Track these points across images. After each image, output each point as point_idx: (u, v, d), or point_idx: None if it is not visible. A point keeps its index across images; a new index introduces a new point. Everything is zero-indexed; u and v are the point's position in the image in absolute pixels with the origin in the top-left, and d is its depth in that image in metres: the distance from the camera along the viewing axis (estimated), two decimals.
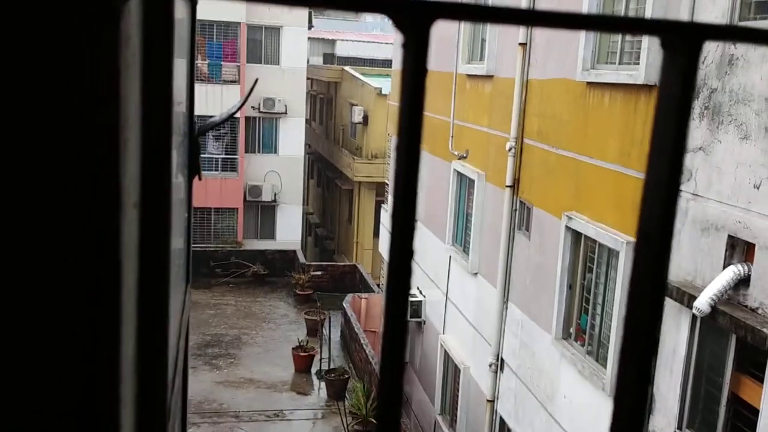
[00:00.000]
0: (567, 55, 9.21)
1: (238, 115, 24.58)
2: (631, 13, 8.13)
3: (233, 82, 25.29)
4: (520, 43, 10.50)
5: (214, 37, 25.64)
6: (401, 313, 0.42)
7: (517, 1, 10.66)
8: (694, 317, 6.58)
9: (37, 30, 0.47)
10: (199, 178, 1.55)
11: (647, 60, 7.48)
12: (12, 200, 0.49)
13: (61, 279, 0.50)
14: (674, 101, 0.41)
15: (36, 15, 0.47)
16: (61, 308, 0.51)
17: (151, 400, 0.81)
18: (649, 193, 0.44)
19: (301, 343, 17.82)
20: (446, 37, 13.59)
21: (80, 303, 0.50)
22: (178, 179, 1.22)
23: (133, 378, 0.71)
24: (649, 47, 7.44)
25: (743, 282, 6.10)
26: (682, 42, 0.41)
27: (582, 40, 8.78)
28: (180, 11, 1.21)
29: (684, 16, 6.93)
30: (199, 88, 24.26)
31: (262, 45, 26.51)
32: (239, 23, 25.52)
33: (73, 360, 0.51)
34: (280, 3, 0.41)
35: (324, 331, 18.27)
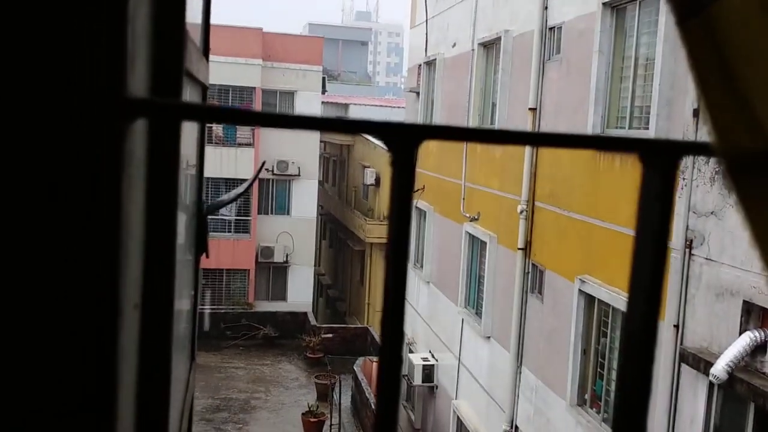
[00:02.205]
0: (577, 119, 9.31)
1: (251, 177, 24.85)
2: (639, 84, 8.23)
3: (247, 145, 25.67)
4: (530, 108, 10.64)
5: (229, 101, 26.16)
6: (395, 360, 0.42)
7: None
8: (711, 384, 6.44)
9: (43, 150, 0.48)
10: (206, 257, 1.56)
11: (657, 124, 7.54)
12: (16, 306, 0.50)
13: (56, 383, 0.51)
14: (654, 217, 0.41)
15: (42, 137, 0.48)
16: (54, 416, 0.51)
17: None
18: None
19: (311, 408, 17.50)
20: (458, 101, 13.81)
21: (75, 401, 0.51)
22: (185, 258, 1.24)
23: None
24: (658, 113, 7.51)
25: (760, 348, 5.98)
26: (659, 159, 0.41)
27: (592, 104, 8.88)
28: (192, 96, 1.25)
29: (692, 87, 7.01)
30: (213, 151, 24.63)
31: (277, 109, 26.98)
32: (254, 88, 26.07)
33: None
34: (290, 127, 0.43)
35: (334, 395, 17.96)
